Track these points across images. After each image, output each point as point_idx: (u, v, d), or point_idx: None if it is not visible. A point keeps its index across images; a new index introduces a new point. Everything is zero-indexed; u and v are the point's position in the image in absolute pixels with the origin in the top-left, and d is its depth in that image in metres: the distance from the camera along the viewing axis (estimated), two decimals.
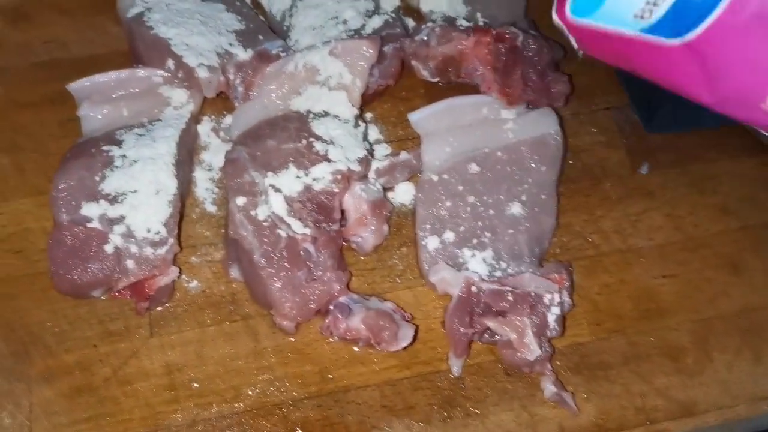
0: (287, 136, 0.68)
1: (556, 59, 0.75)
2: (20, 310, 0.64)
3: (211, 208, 0.71)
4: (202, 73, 0.69)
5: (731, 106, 0.44)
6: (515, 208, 0.68)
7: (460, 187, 0.69)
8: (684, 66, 0.43)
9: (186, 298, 0.66)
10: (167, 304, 0.66)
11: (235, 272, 0.67)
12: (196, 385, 0.62)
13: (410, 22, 0.83)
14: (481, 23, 0.77)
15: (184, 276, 0.67)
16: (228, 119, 0.75)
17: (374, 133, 0.76)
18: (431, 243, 0.67)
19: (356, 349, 0.65)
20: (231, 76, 0.71)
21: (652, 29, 0.43)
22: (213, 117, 0.75)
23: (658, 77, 0.47)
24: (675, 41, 0.42)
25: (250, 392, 0.62)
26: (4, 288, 0.65)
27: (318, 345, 0.65)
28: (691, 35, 0.40)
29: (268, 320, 0.65)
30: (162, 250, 0.63)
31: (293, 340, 0.65)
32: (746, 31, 0.38)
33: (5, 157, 0.71)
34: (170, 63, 0.70)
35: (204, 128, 0.74)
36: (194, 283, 0.67)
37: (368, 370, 0.64)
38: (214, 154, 0.73)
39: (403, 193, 0.73)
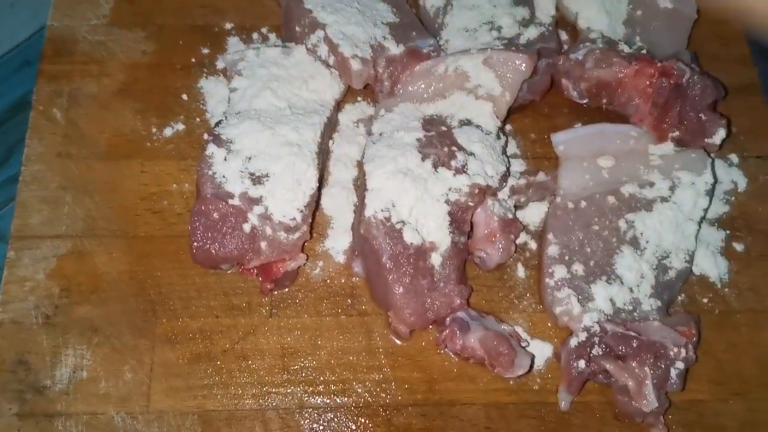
0: (429, 141, 0.67)
1: (718, 99, 0.71)
2: (153, 270, 0.66)
3: (344, 201, 0.71)
4: (356, 65, 0.68)
5: None
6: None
7: (596, 219, 0.67)
8: None
9: (307, 285, 0.67)
10: (289, 288, 0.67)
11: (357, 267, 0.67)
12: (307, 371, 0.63)
13: (563, 35, 0.80)
14: (642, 50, 0.73)
15: (308, 263, 0.67)
16: (369, 110, 0.75)
17: (511, 147, 0.74)
18: (558, 272, 0.65)
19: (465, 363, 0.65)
20: (380, 70, 0.71)
21: None
22: (354, 105, 0.75)
23: None
24: None
25: (358, 389, 0.63)
26: (141, 245, 0.67)
27: (428, 354, 0.65)
28: None
29: (383, 320, 0.66)
30: (295, 236, 0.64)
31: (405, 344, 0.65)
32: None
33: (155, 118, 0.73)
34: (324, 49, 0.70)
35: (344, 117, 0.74)
36: (317, 272, 0.68)
37: (475, 388, 0.64)
38: (350, 144, 0.73)
39: (533, 214, 0.71)
